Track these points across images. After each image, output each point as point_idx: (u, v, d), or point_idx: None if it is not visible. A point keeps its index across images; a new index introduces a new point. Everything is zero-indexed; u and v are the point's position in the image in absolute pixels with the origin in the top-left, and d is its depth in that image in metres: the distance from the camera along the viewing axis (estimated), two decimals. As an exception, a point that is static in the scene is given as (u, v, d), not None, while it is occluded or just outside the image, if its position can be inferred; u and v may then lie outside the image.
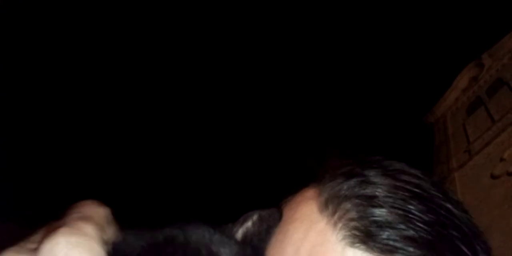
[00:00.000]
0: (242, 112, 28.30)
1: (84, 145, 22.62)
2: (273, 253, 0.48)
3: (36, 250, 0.29)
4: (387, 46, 30.56)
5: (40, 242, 0.29)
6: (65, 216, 0.32)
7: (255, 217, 0.46)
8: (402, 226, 0.45)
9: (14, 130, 18.33)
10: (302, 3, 30.93)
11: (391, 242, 0.44)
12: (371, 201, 0.47)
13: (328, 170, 0.53)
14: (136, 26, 26.95)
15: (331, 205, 0.48)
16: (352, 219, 0.46)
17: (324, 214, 0.48)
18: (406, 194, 0.48)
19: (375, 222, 0.45)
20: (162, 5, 27.45)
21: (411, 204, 0.46)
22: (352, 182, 0.49)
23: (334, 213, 0.48)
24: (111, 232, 0.34)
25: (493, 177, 12.67)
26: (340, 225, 0.47)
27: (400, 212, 0.46)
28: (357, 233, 0.45)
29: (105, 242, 0.32)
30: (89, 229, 0.31)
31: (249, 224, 0.45)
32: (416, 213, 0.46)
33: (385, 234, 0.44)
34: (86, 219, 0.32)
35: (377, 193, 0.47)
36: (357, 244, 0.45)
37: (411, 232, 0.44)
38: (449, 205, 0.49)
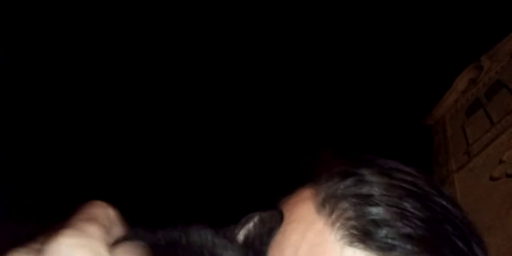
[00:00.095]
0: (237, 113, 28.29)
1: (85, 145, 22.59)
2: (272, 255, 0.48)
3: (41, 251, 0.29)
4: (386, 48, 30.57)
5: (45, 243, 0.29)
6: (72, 217, 0.32)
7: (256, 219, 0.46)
8: (399, 224, 0.45)
9: (14, 130, 18.29)
10: (302, 4, 30.94)
11: (389, 240, 0.44)
12: (368, 200, 0.47)
13: (323, 170, 0.53)
14: (136, 26, 26.94)
15: (328, 205, 0.49)
16: (349, 219, 0.47)
17: (321, 214, 0.49)
18: (402, 192, 0.48)
19: (373, 220, 0.45)
20: (162, 5, 27.45)
21: (406, 201, 0.47)
22: (348, 181, 0.49)
23: (331, 213, 0.48)
24: (117, 234, 0.34)
25: (492, 179, 12.66)
26: (338, 224, 0.47)
27: (397, 210, 0.46)
28: (355, 232, 0.46)
29: (109, 244, 0.32)
30: (93, 230, 0.30)
31: (250, 226, 0.45)
32: (412, 210, 0.46)
33: (382, 232, 0.45)
34: (92, 220, 0.32)
35: (373, 192, 0.48)
36: (356, 243, 0.45)
37: (408, 230, 0.45)
38: (443, 202, 0.50)
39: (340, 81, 30.73)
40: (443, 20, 29.32)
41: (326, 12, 31.10)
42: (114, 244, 0.32)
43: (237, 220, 0.47)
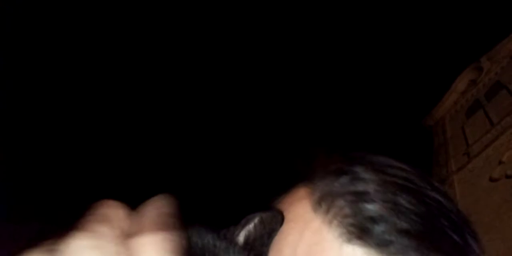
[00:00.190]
0: (237, 113, 28.28)
1: (85, 145, 22.58)
2: (270, 255, 0.48)
3: (54, 251, 0.29)
4: (386, 49, 30.57)
5: (58, 243, 0.29)
6: (84, 217, 0.32)
7: (256, 220, 0.46)
8: (396, 219, 0.46)
9: (14, 130, 18.29)
10: (302, 4, 30.94)
11: (386, 236, 0.45)
12: (363, 197, 0.48)
13: (317, 169, 0.54)
14: (136, 26, 26.94)
15: (325, 203, 0.49)
16: (346, 216, 0.47)
17: (318, 213, 0.49)
18: (396, 187, 0.49)
19: (369, 217, 0.46)
20: (162, 5, 27.46)
21: (401, 197, 0.48)
22: (342, 179, 0.50)
23: (328, 211, 0.48)
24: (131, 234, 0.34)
25: (492, 180, 12.65)
26: (335, 222, 0.47)
27: (392, 205, 0.47)
28: (352, 229, 0.46)
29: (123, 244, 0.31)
30: (106, 231, 0.30)
31: (250, 227, 0.45)
32: (407, 205, 0.47)
33: (379, 229, 0.45)
34: (105, 220, 0.31)
35: (368, 189, 0.48)
36: (354, 240, 0.46)
37: (404, 225, 0.45)
38: (437, 196, 0.50)
39: (340, 82, 30.73)
40: (443, 21, 29.33)
41: (326, 12, 31.11)
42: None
43: (236, 221, 0.46)
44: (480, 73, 18.85)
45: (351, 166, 0.51)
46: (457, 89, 19.82)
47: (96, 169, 21.02)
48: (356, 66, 31.04)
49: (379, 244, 0.45)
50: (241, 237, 0.44)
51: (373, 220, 0.46)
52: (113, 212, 0.33)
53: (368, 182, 0.49)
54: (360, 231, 0.46)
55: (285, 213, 0.51)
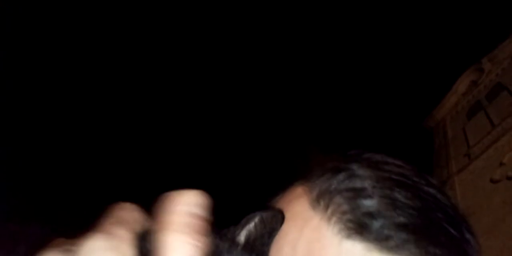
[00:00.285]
0: (236, 113, 28.30)
1: (85, 145, 22.60)
2: (271, 254, 0.48)
3: (70, 251, 0.29)
4: (387, 50, 30.59)
5: (76, 245, 0.29)
6: (101, 220, 0.32)
7: (257, 219, 0.45)
8: (393, 214, 0.46)
9: (14, 130, 18.31)
10: (302, 4, 30.97)
11: (385, 231, 0.45)
12: (361, 193, 0.48)
13: (313, 167, 0.54)
14: (136, 26, 26.97)
15: (323, 200, 0.49)
16: (345, 212, 0.47)
17: (316, 210, 0.49)
18: (392, 183, 0.49)
19: (367, 212, 0.47)
20: (162, 5, 27.49)
21: (398, 192, 0.48)
22: (340, 176, 0.50)
23: (326, 208, 0.49)
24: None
25: (492, 181, 12.64)
26: (334, 219, 0.48)
27: (389, 201, 0.47)
28: (351, 225, 0.46)
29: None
30: (123, 233, 0.30)
31: (251, 226, 0.44)
32: (404, 200, 0.48)
33: (378, 223, 0.46)
34: (121, 223, 0.31)
35: (365, 185, 0.49)
36: (353, 236, 0.46)
37: (402, 219, 0.46)
38: (432, 191, 0.51)
39: (341, 83, 30.75)
40: (444, 22, 29.35)
41: (327, 14, 31.14)
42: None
43: (236, 220, 0.46)
44: (481, 75, 18.86)
45: (347, 163, 0.52)
46: (458, 91, 19.83)
47: (95, 169, 21.04)
48: (357, 67, 31.08)
49: (378, 238, 0.45)
50: (241, 237, 0.43)
51: (371, 215, 0.46)
52: (130, 214, 0.33)
53: (365, 179, 0.50)
54: (358, 226, 0.46)
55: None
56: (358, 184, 0.49)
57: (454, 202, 0.53)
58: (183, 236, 0.29)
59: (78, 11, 24.13)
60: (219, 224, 0.46)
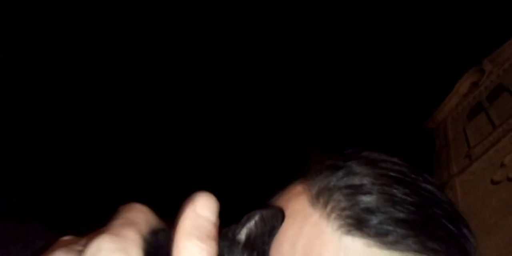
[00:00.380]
0: (235, 113, 28.32)
1: (85, 145, 22.62)
2: (271, 252, 0.48)
3: (78, 252, 0.29)
4: (388, 51, 30.60)
5: (84, 246, 0.29)
6: (110, 221, 0.32)
7: (257, 217, 0.45)
8: (392, 210, 0.47)
9: (14, 130, 18.33)
10: (303, 5, 31.00)
11: (384, 226, 0.46)
12: (360, 189, 0.49)
13: (312, 166, 0.55)
14: (136, 26, 27.01)
15: (322, 197, 0.50)
16: (344, 209, 0.48)
17: (316, 207, 0.50)
18: (390, 180, 0.50)
19: (366, 208, 0.47)
20: (162, 5, 27.53)
21: (396, 188, 0.49)
22: (339, 174, 0.51)
23: (326, 205, 0.49)
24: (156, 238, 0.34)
25: (493, 182, 12.64)
26: (333, 215, 0.48)
27: (388, 196, 0.48)
28: (350, 221, 0.47)
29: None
30: (131, 235, 0.30)
31: (251, 225, 0.44)
32: (402, 196, 0.48)
33: (377, 219, 0.46)
34: (130, 224, 0.31)
35: (364, 182, 0.49)
36: (353, 232, 0.46)
37: (401, 215, 0.47)
38: (430, 187, 0.52)
39: (342, 84, 30.77)
40: (445, 23, 29.37)
41: (328, 15, 31.16)
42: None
43: (236, 219, 0.46)
44: (482, 76, 18.86)
45: (345, 161, 0.53)
46: (459, 92, 19.83)
47: (95, 169, 21.05)
48: (358, 68, 31.10)
49: (378, 234, 0.46)
50: (242, 235, 0.43)
51: (371, 211, 0.47)
52: (139, 215, 0.33)
53: (363, 176, 0.50)
54: (358, 222, 0.46)
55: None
56: (356, 181, 0.50)
57: (450, 199, 0.54)
58: (196, 241, 0.29)
59: (78, 11, 24.17)
60: (219, 223, 0.45)
